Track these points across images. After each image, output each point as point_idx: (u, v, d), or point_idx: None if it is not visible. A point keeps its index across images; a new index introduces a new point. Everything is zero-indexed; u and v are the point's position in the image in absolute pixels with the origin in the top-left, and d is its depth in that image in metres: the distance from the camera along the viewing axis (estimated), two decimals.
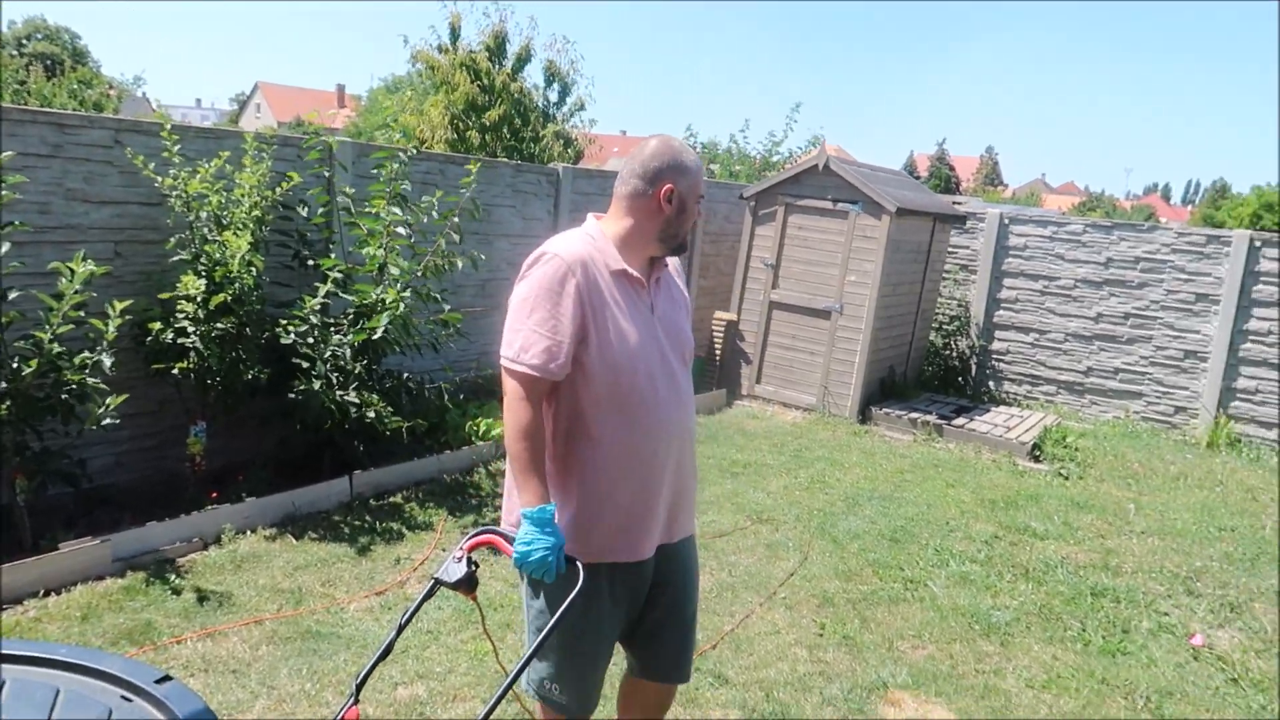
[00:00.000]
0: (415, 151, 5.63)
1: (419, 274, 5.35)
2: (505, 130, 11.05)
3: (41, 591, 3.80)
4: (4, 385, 3.85)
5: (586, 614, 2.20)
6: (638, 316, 2.20)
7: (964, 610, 4.38)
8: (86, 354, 4.04)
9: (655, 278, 2.29)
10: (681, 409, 2.27)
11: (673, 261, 2.41)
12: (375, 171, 5.44)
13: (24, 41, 42.23)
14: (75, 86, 20.49)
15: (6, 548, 3.97)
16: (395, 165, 5.32)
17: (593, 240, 2.22)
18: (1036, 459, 7.24)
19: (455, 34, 11.35)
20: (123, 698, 1.43)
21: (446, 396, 6.05)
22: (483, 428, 5.97)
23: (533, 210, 7.28)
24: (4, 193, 3.89)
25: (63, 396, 4.00)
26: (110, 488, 4.76)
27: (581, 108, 12.05)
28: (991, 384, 9.49)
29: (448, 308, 5.51)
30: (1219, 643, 4.29)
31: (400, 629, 2.08)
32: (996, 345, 9.47)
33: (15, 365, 3.88)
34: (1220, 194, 63.08)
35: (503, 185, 6.96)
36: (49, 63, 36.39)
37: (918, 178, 59.87)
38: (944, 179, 62.19)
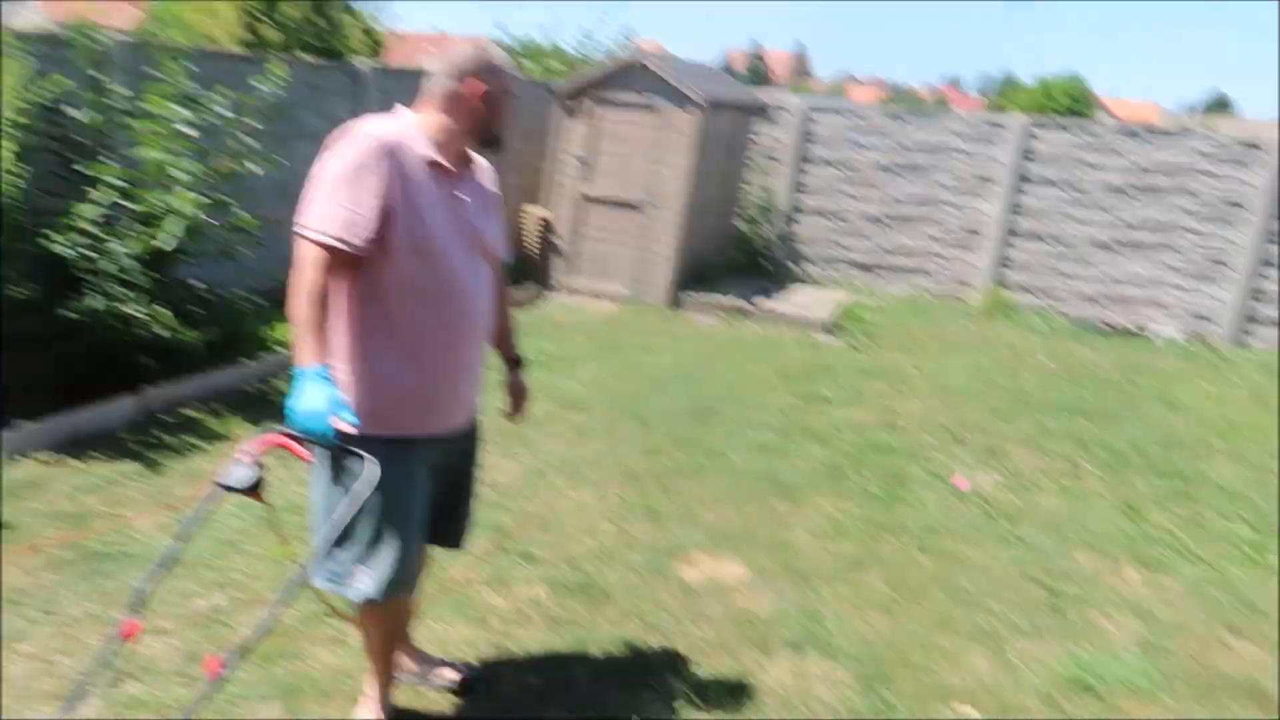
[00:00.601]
0: (203, 49, 5.19)
1: (208, 179, 5.02)
2: (307, 26, 10.28)
3: None
4: None
5: (392, 490, 2.23)
6: (447, 206, 2.26)
7: (759, 474, 4.70)
8: None
9: (465, 175, 2.35)
10: (482, 300, 2.38)
11: (484, 163, 2.47)
12: (157, 73, 4.99)
13: None
14: None
15: None
16: (176, 64, 4.91)
17: (399, 126, 2.26)
18: (832, 334, 7.72)
19: None
20: None
21: (245, 306, 5.77)
22: (281, 334, 5.76)
23: (333, 109, 6.89)
24: None
25: None
26: None
27: None
28: (794, 266, 9.95)
29: (243, 214, 5.21)
30: (980, 484, 4.81)
31: (181, 539, 2.05)
32: (799, 229, 9.89)
33: None
34: (1009, 85, 67.18)
35: (299, 82, 6.54)
36: None
37: (732, 73, 60.62)
38: (759, 75, 63.11)
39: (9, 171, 4.22)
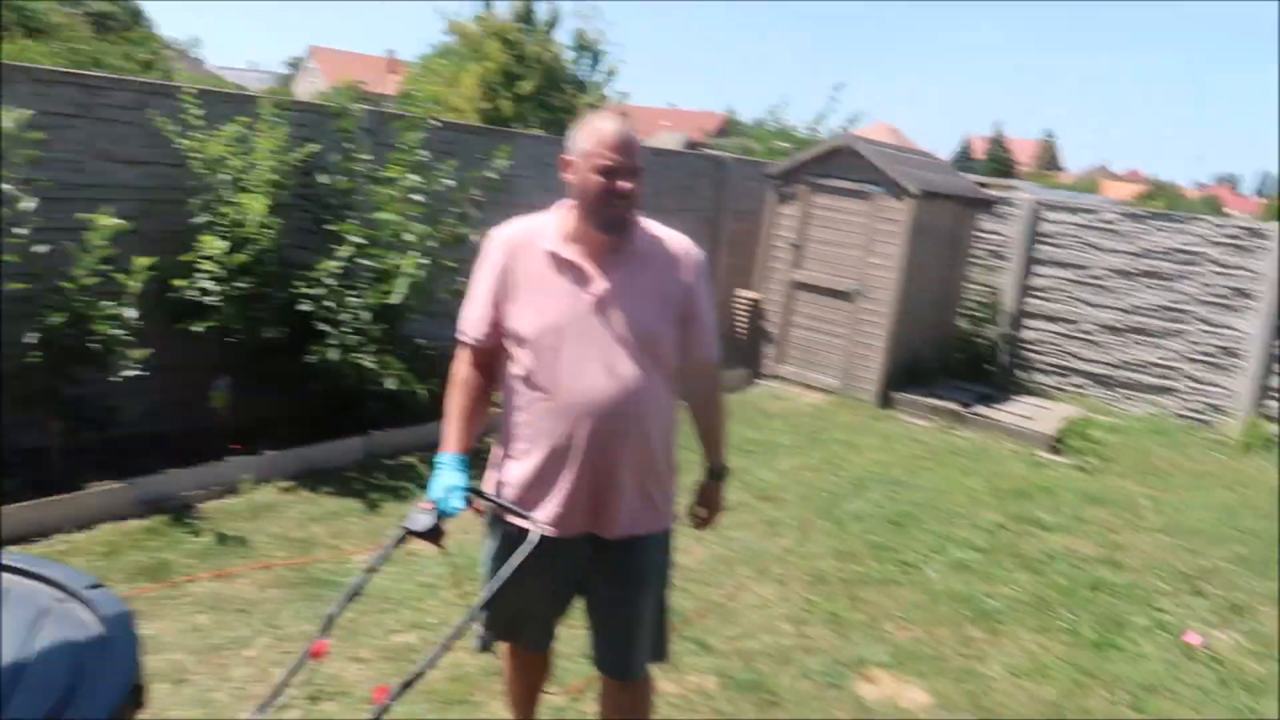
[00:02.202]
0: (439, 123, 5.71)
1: (435, 243, 5.46)
2: (538, 101, 11.13)
3: (71, 529, 4.02)
4: (36, 334, 4.05)
5: (505, 555, 2.25)
6: (565, 296, 2.21)
7: (956, 596, 4.41)
8: (109, 303, 4.21)
9: (616, 263, 2.23)
10: (616, 398, 2.19)
11: (680, 248, 2.32)
12: (396, 140, 5.54)
13: (83, 0, 43.00)
14: (129, 48, 20.94)
15: (40, 487, 4.18)
16: (416, 135, 5.42)
17: (539, 221, 2.31)
18: (1057, 451, 7.18)
19: (488, 3, 11.45)
20: (56, 598, 1.72)
21: None
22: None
23: (555, 181, 7.31)
24: (32, 151, 4.05)
25: (91, 346, 4.18)
26: (140, 436, 4.96)
27: (612, 75, 12.05)
28: (1020, 373, 9.39)
29: (461, 280, 5.61)
30: (1217, 643, 4.27)
31: (371, 571, 2.23)
32: (1026, 334, 9.36)
33: (44, 315, 4.07)
34: None
35: (524, 156, 7.02)
36: (106, 22, 37.05)
37: (972, 160, 58.91)
38: (1000, 162, 60.95)
39: (265, 225, 4.76)
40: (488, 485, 2.38)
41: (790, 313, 8.41)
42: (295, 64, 75.72)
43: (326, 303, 5.04)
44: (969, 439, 7.29)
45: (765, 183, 8.82)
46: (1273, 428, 8.10)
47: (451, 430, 2.31)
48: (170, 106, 4.83)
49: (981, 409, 7.75)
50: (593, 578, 2.39)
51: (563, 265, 2.23)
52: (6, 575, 1.74)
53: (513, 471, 2.33)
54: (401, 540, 2.26)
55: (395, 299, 5.16)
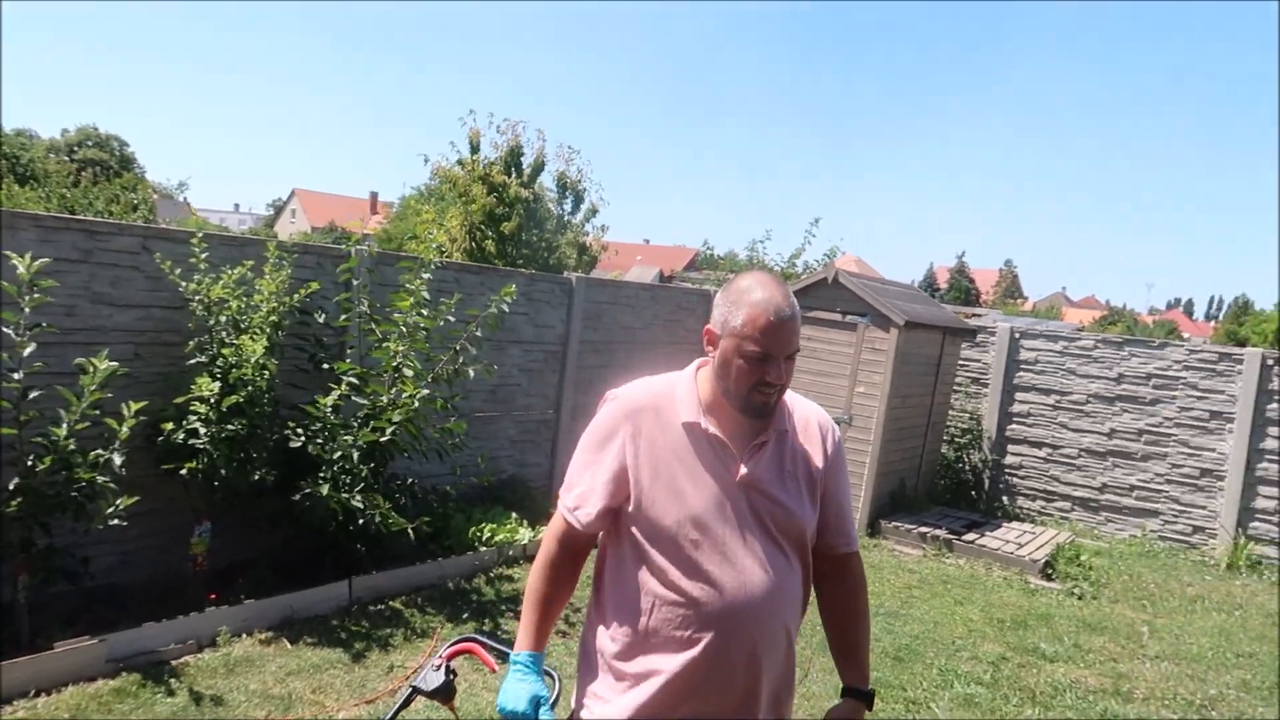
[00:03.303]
0: (442, 262, 5.81)
1: (430, 380, 5.47)
2: (521, 239, 11.39)
3: (33, 691, 3.80)
4: (17, 481, 3.95)
5: None
6: (709, 479, 1.87)
7: None
8: (99, 452, 4.14)
9: (760, 440, 1.91)
10: (771, 602, 1.86)
11: (819, 422, 2.03)
12: (400, 279, 5.62)
13: (75, 149, 44.18)
14: (118, 192, 21.38)
15: (4, 645, 3.99)
16: (424, 274, 5.51)
17: (673, 386, 1.96)
18: (1049, 577, 7.11)
19: (475, 148, 11.85)
20: None
21: (451, 501, 6.08)
22: (487, 533, 5.98)
23: (545, 318, 7.45)
24: (41, 297, 4.06)
25: (73, 494, 4.08)
26: (114, 585, 4.79)
27: (594, 214, 12.41)
28: (1005, 498, 9.40)
29: (454, 417, 5.60)
30: None
31: None
32: (1009, 459, 9.41)
33: (30, 462, 3.99)
34: (1243, 310, 63.08)
35: (516, 293, 7.15)
36: (98, 168, 37.96)
37: (936, 289, 60.59)
38: (963, 291, 62.70)
39: (262, 365, 4.76)
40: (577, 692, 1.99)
41: None
42: (278, 205, 77.54)
43: (318, 440, 5.00)
44: (960, 566, 7.21)
45: None
46: (1258, 549, 8.09)
47: (531, 622, 1.94)
48: (172, 250, 4.89)
49: (971, 536, 7.70)
50: None
51: (705, 442, 1.89)
52: None
53: (630, 699, 1.87)
54: (409, 701, 2.15)
55: (385, 435, 5.12)
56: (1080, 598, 6.69)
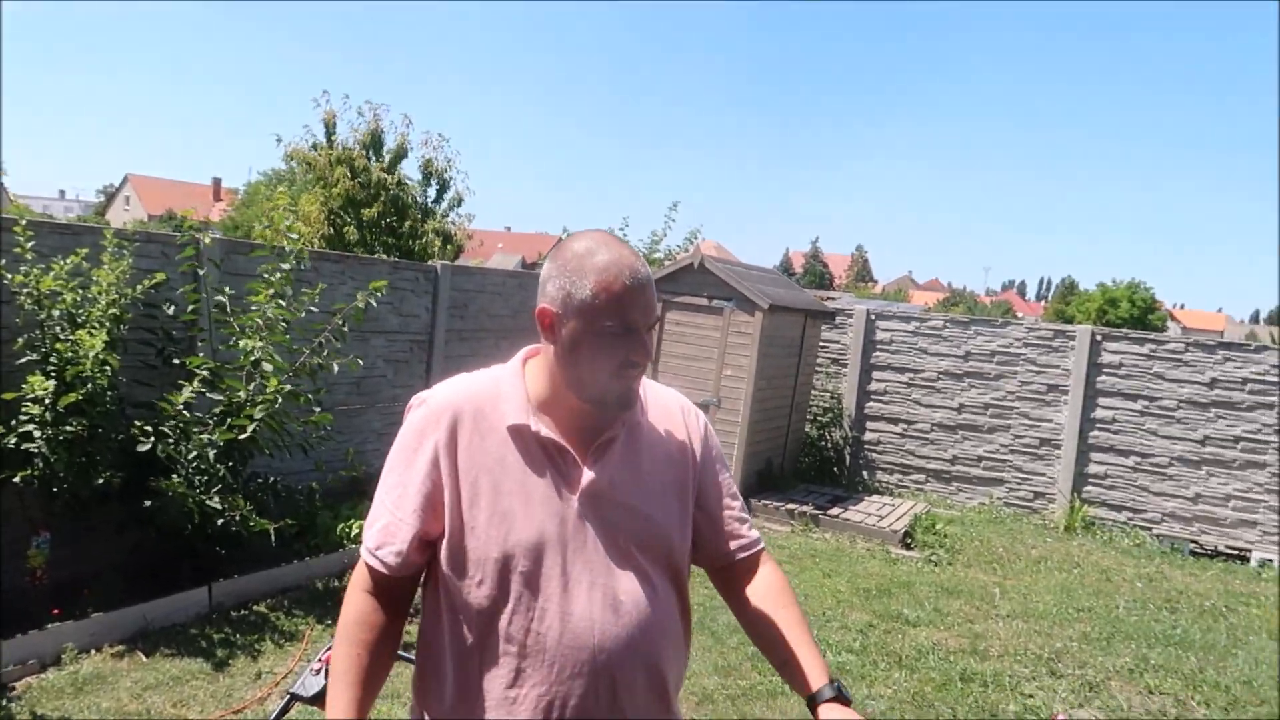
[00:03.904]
0: (303, 251, 5.52)
1: (292, 373, 5.22)
2: (384, 226, 11.03)
3: None
4: None
5: None
6: (546, 496, 1.51)
7: None
8: None
9: (606, 438, 1.55)
10: (627, 639, 1.49)
11: (676, 406, 1.71)
12: (257, 269, 5.32)
13: None
14: None
15: None
16: (284, 265, 5.23)
17: (496, 383, 1.58)
18: (908, 546, 7.47)
19: (330, 131, 11.37)
20: None
21: (317, 498, 5.84)
22: (355, 529, 5.77)
23: (410, 307, 7.25)
24: None
25: None
26: None
27: (459, 203, 12.16)
28: (865, 473, 9.80)
29: (318, 409, 5.37)
30: None
31: None
32: (868, 435, 9.82)
33: None
34: (1069, 290, 68.08)
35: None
36: None
37: (793, 274, 62.66)
38: (818, 275, 65.00)
39: (103, 361, 4.43)
40: None
41: None
42: (110, 191, 72.36)
43: (170, 439, 4.69)
44: (826, 540, 7.48)
45: None
46: (1091, 511, 8.75)
47: (340, 696, 1.47)
48: None
49: (835, 510, 8.00)
50: None
51: (538, 447, 1.53)
52: None
53: None
54: (288, 708, 2.04)
55: (245, 433, 4.85)
56: (937, 564, 7.05)
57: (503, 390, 1.56)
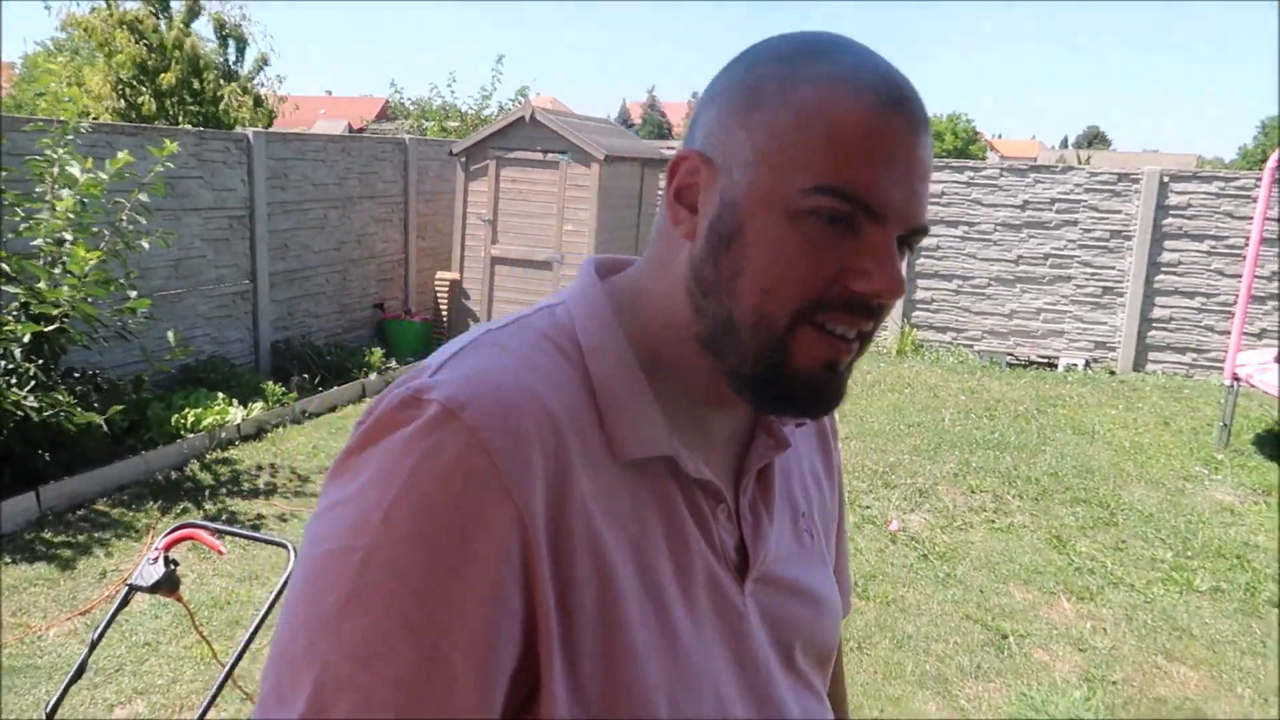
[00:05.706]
0: (89, 124, 4.98)
1: (99, 260, 4.80)
2: (185, 93, 10.09)
3: None
4: None
5: None
6: (701, 577, 0.74)
7: None
8: None
9: (760, 466, 0.82)
10: None
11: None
12: (37, 144, 4.79)
13: None
14: None
15: None
16: (67, 140, 4.71)
17: (557, 336, 0.73)
18: None
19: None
20: None
21: (146, 389, 5.53)
22: (191, 419, 5.52)
23: (224, 180, 6.74)
24: None
25: None
26: None
27: (264, 64, 11.21)
28: None
29: (134, 293, 5.00)
30: (912, 525, 4.88)
31: (93, 646, 1.92)
32: None
33: None
34: None
35: (185, 155, 6.37)
36: None
37: (631, 125, 61.85)
38: (656, 125, 64.45)
39: None
40: None
41: (492, 289, 8.37)
42: None
43: None
44: None
45: (450, 161, 8.67)
46: (919, 334, 9.36)
47: None
48: None
49: None
50: None
51: (680, 494, 0.74)
52: None
53: None
54: (126, 600, 1.97)
55: (51, 326, 4.48)
56: None
57: (601, 370, 0.72)
